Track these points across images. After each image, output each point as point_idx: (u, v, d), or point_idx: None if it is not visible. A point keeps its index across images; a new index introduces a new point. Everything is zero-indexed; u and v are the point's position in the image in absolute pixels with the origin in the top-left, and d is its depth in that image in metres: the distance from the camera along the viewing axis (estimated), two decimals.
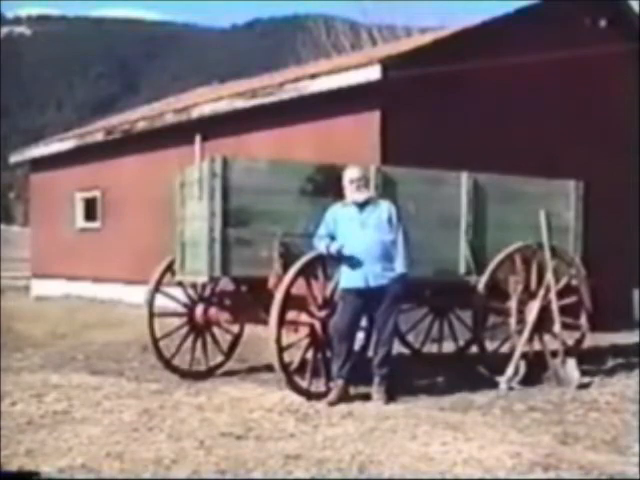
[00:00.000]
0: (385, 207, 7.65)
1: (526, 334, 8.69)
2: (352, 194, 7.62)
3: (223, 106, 13.98)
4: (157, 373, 8.91)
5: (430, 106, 11.86)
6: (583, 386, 8.29)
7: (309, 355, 7.70)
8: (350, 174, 7.68)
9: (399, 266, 7.49)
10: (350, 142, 11.54)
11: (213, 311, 8.86)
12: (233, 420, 6.66)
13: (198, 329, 9.02)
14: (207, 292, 8.93)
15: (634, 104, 14.21)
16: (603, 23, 13.92)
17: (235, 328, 9.44)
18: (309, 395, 7.49)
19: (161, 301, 8.85)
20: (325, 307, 7.67)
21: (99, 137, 17.90)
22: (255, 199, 7.86)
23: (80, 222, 19.06)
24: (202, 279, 8.15)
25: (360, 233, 7.51)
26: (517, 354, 8.54)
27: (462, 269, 8.80)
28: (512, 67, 12.49)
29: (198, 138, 8.38)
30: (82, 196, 18.97)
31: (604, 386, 8.36)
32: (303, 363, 7.63)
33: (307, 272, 7.61)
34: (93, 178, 18.18)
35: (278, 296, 7.43)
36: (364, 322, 7.78)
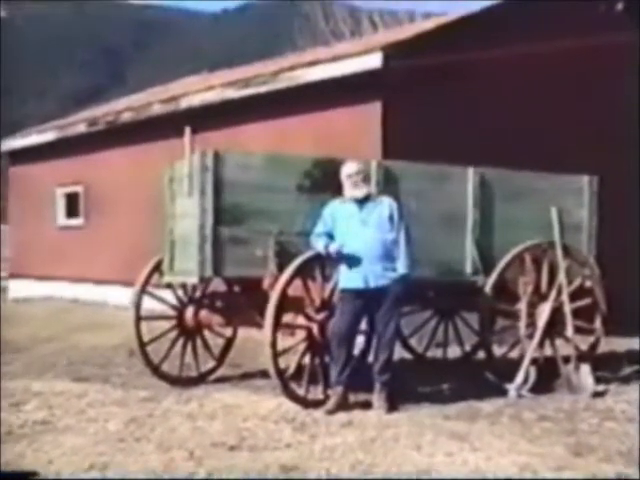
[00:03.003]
0: (386, 204, 7.66)
1: (536, 338, 8.70)
2: (350, 190, 7.63)
3: (214, 96, 13.98)
4: (145, 379, 8.92)
5: (434, 96, 11.86)
6: (597, 394, 8.28)
7: (306, 360, 7.72)
8: (347, 169, 7.68)
9: (401, 266, 7.50)
10: (349, 135, 11.53)
11: (204, 314, 8.88)
12: (226, 429, 6.68)
13: (188, 333, 9.04)
14: (198, 294, 8.95)
15: None
16: (620, 6, 13.90)
17: (228, 332, 9.47)
18: (306, 403, 7.51)
19: (149, 303, 8.86)
20: (323, 309, 7.69)
21: (81, 128, 17.89)
22: (249, 195, 7.87)
23: (62, 219, 19.05)
24: (192, 280, 8.17)
25: (360, 231, 7.52)
26: (527, 360, 8.55)
27: (468, 269, 8.81)
28: (521, 55, 12.49)
29: (188, 130, 8.34)
30: (63, 191, 18.95)
31: (620, 394, 8.36)
32: (300, 369, 7.65)
33: (304, 272, 7.63)
34: (75, 172, 18.15)
35: (273, 297, 7.44)
36: (364, 325, 7.80)
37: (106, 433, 6.59)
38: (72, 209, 18.72)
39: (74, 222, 18.55)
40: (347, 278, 7.54)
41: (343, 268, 7.55)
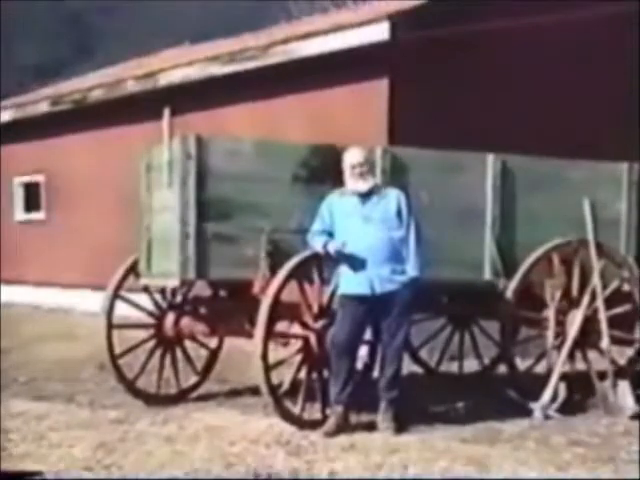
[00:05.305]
0: (393, 197, 7.68)
1: (566, 350, 8.73)
2: (354, 183, 7.65)
3: (196, 72, 14.00)
4: (117, 397, 8.96)
5: (449, 72, 11.86)
6: (638, 416, 8.28)
7: (302, 375, 7.75)
8: (351, 158, 7.69)
9: (411, 268, 7.54)
10: (351, 117, 11.55)
11: (186, 321, 8.90)
12: (210, 454, 6.72)
13: (167, 343, 9.07)
14: (179, 298, 8.99)
15: None
16: None
17: (212, 342, 9.50)
18: (302, 423, 7.55)
19: (122, 309, 8.90)
20: (322, 317, 7.73)
21: (43, 108, 17.86)
22: (237, 187, 7.91)
23: (20, 213, 19.05)
24: (173, 283, 8.21)
25: (363, 229, 7.54)
26: (555, 375, 8.58)
27: (487, 271, 8.84)
28: (547, 24, 12.49)
29: (166, 111, 8.40)
30: (22, 181, 18.95)
31: None
32: (295, 385, 7.67)
33: (300, 274, 7.67)
34: (36, 159, 18.14)
35: (265, 303, 7.47)
36: (368, 335, 7.83)
37: (71, 460, 6.61)
38: (32, 201, 18.70)
39: (35, 216, 18.55)
40: (349, 282, 7.56)
41: (345, 271, 7.59)
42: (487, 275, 8.85)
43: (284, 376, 7.74)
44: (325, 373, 7.77)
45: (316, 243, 7.64)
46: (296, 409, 7.62)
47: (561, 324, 8.83)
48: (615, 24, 13.30)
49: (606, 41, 13.43)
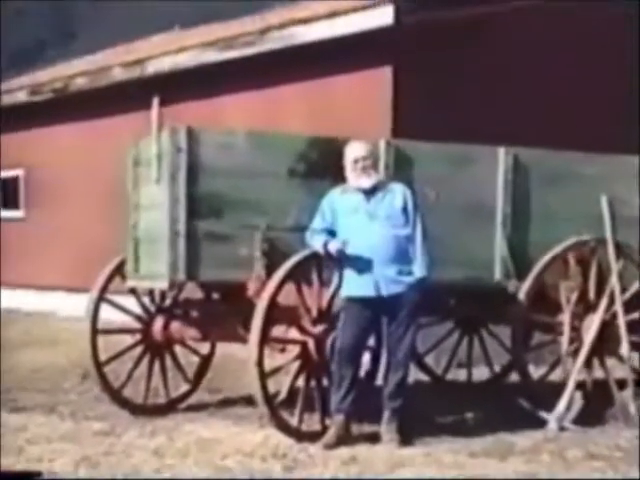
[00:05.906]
0: (399, 193, 7.68)
1: (583, 357, 8.73)
2: (358, 178, 7.64)
3: (188, 59, 14.01)
4: (102, 408, 8.95)
5: (458, 60, 11.86)
6: None
7: (300, 383, 7.75)
8: (354, 151, 7.69)
9: (418, 269, 7.55)
10: (353, 107, 11.56)
11: (176, 326, 8.91)
12: (201, 468, 6.71)
13: (156, 349, 9.06)
14: (168, 301, 9.00)
15: None
16: None
17: (204, 348, 9.50)
18: (300, 435, 7.55)
19: (108, 313, 8.89)
20: (321, 321, 7.73)
21: (22, 97, 17.87)
22: (230, 182, 7.90)
23: None
24: (162, 285, 8.21)
25: (367, 227, 7.54)
26: (571, 383, 8.57)
27: (498, 272, 8.84)
28: (564, 7, 12.52)
29: (156, 101, 8.39)
30: None
31: None
32: (292, 393, 7.67)
33: (298, 276, 7.67)
34: (14, 152, 18.11)
35: (260, 306, 7.47)
36: (371, 340, 7.83)
37: (51, 475, 6.56)
38: (10, 198, 18.70)
39: (13, 214, 18.55)
40: (353, 284, 7.57)
41: (348, 272, 7.59)
42: (498, 276, 8.84)
43: (281, 384, 7.74)
44: (324, 381, 7.77)
45: (316, 242, 7.63)
46: (294, 420, 7.62)
47: (577, 329, 8.81)
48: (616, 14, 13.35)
49: (609, 29, 13.42)
